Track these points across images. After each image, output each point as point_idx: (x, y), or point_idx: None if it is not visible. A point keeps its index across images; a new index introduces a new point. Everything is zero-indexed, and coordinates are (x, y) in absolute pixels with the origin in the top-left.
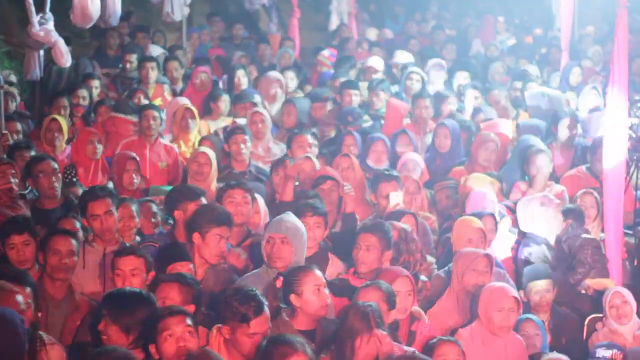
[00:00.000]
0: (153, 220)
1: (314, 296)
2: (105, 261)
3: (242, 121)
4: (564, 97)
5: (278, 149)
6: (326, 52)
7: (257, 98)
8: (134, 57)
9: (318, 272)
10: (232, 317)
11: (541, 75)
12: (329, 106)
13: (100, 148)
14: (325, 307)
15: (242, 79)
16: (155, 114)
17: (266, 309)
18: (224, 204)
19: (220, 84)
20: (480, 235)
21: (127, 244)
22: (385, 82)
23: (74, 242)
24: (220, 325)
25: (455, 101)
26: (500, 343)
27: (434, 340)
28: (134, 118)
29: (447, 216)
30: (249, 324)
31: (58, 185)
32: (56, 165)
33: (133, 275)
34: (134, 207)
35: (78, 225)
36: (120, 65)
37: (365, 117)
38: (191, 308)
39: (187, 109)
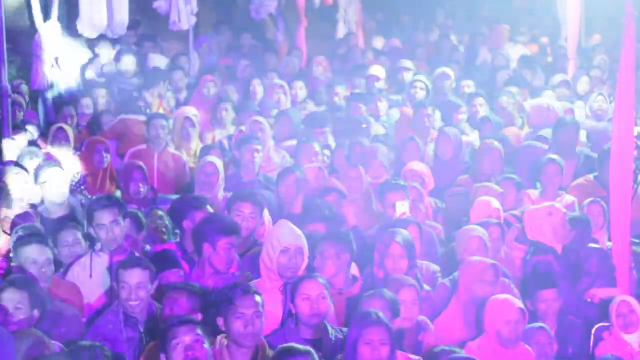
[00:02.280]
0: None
1: (305, 304)
2: (112, 270)
3: (244, 129)
4: (570, 106)
5: (279, 157)
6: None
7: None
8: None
9: (312, 281)
10: (222, 304)
11: (547, 83)
12: (328, 132)
13: (107, 157)
14: (317, 316)
15: (258, 87)
16: (163, 122)
17: (254, 294)
18: (231, 215)
19: (232, 94)
20: (480, 244)
21: (135, 254)
22: (384, 91)
23: (49, 250)
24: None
25: (466, 110)
26: (510, 355)
27: (437, 349)
28: (143, 117)
29: (456, 224)
30: (235, 304)
31: (66, 192)
32: (66, 173)
33: (139, 289)
34: (143, 218)
35: (79, 235)
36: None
37: (377, 125)
38: (199, 316)
39: (187, 117)
